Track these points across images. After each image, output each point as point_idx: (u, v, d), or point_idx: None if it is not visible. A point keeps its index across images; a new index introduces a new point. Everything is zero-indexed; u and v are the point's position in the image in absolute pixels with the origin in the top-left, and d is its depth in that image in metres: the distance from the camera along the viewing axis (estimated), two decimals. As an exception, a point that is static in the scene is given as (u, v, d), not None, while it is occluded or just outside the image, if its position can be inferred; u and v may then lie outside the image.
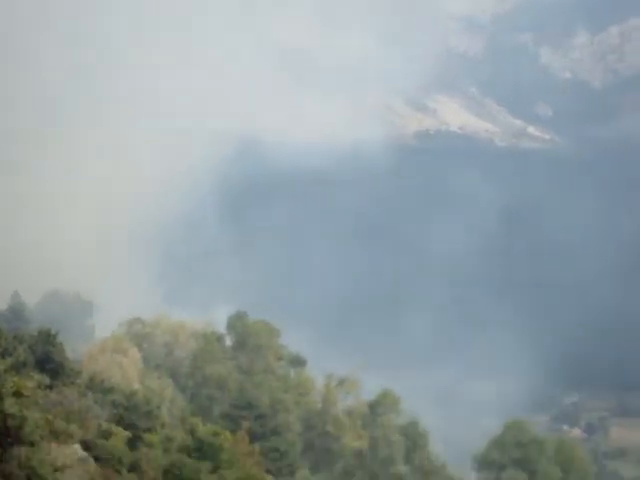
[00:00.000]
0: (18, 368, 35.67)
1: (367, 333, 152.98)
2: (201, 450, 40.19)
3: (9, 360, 36.08)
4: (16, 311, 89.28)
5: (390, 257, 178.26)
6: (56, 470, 29.63)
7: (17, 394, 29.15)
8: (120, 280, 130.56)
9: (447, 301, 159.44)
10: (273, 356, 63.83)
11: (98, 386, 41.89)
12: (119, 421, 38.03)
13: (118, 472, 34.44)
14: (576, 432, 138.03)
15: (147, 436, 37.80)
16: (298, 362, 65.68)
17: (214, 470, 39.16)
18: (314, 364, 67.06)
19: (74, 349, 50.26)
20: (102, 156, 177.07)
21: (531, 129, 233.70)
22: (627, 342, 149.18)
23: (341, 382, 61.47)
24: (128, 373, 51.02)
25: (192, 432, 41.17)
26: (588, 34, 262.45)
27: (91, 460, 33.37)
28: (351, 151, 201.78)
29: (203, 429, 41.11)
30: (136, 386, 47.46)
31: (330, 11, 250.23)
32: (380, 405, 62.37)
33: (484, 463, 66.65)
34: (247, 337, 63.42)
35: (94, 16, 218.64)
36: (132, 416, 38.78)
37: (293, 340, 67.92)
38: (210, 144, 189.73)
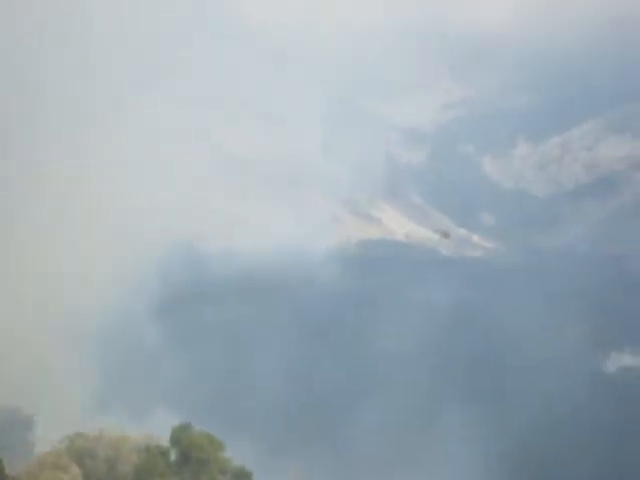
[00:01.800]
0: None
1: (314, 442, 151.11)
2: None
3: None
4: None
5: (335, 363, 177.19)
6: None
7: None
8: (59, 388, 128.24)
9: (394, 408, 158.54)
10: (218, 470, 62.85)
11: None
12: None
13: None
14: None
15: None
16: (243, 475, 64.68)
17: None
18: (260, 477, 65.83)
19: (13, 465, 48.94)
20: (44, 249, 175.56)
21: (475, 238, 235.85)
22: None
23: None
24: (68, 490, 49.68)
25: None
26: (530, 145, 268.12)
27: None
28: (295, 259, 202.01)
29: None
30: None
31: (277, 120, 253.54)
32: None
33: None
34: (191, 451, 62.41)
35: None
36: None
37: (237, 450, 66.76)
38: (155, 246, 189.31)
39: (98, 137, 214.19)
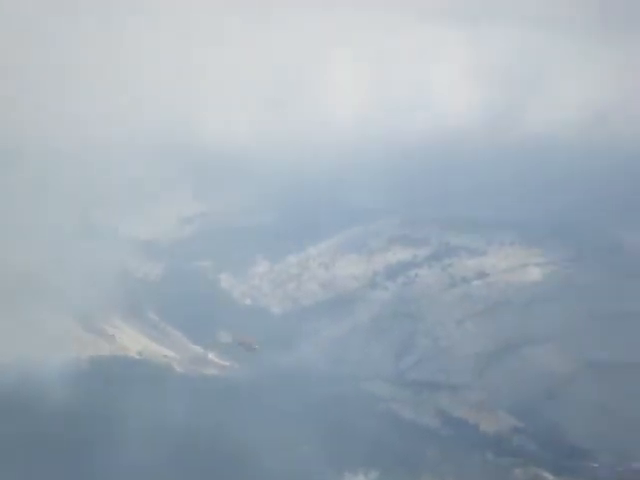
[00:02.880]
0: None
1: None
2: None
3: None
4: None
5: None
6: None
7: None
8: None
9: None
10: None
11: None
12: None
13: None
14: None
15: None
16: None
17: None
18: None
19: None
20: None
21: (211, 355, 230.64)
22: None
23: None
24: None
25: None
26: (268, 262, 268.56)
27: None
28: (25, 377, 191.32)
29: None
30: None
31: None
32: None
33: None
34: None
35: None
36: None
37: None
38: None
39: None
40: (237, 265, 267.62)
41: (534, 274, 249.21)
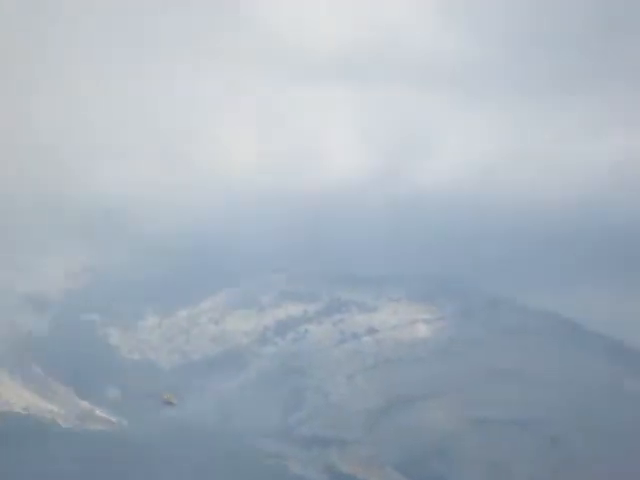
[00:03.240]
0: None
1: None
2: None
3: None
4: None
5: None
6: None
7: None
8: None
9: None
10: None
11: None
12: None
13: None
14: None
15: None
16: None
17: None
18: None
19: None
20: None
21: (98, 411, 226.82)
22: None
23: None
24: None
25: None
26: (157, 316, 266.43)
27: None
28: None
29: None
30: None
31: None
32: None
33: None
34: None
35: None
36: None
37: None
38: None
39: None
40: (126, 319, 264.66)
41: (422, 330, 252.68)
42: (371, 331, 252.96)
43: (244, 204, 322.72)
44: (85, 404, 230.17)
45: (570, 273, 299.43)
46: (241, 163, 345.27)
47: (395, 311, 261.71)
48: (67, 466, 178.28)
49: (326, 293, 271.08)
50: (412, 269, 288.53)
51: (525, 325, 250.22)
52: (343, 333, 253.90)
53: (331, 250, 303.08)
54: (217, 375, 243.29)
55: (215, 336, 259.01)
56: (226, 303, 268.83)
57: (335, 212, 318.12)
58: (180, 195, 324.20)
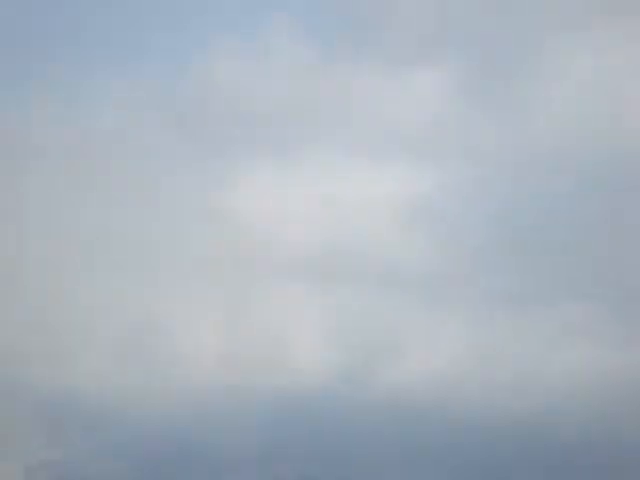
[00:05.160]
0: None
1: None
2: None
3: None
4: None
5: None
6: None
7: None
8: None
9: None
10: None
11: None
12: None
13: None
14: None
15: None
16: None
17: None
18: None
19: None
20: None
21: None
22: None
23: None
24: None
25: None
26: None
27: None
28: None
29: None
30: None
31: None
32: None
33: None
34: None
35: None
36: None
37: None
38: None
39: None
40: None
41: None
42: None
43: (207, 400, 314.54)
44: None
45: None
46: (207, 358, 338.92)
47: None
48: None
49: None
50: (375, 477, 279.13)
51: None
52: None
53: (292, 452, 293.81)
54: None
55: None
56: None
57: (300, 413, 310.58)
58: (144, 390, 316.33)
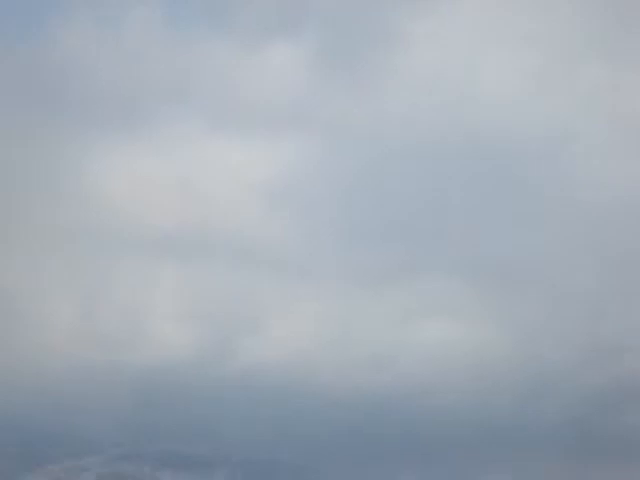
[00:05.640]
0: None
1: None
2: None
3: None
4: None
5: None
6: None
7: None
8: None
9: None
10: None
11: None
12: None
13: None
14: None
15: None
16: None
17: None
18: None
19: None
20: None
21: None
22: None
23: None
24: None
25: None
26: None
27: None
28: None
29: None
30: None
31: None
32: None
33: None
34: None
35: None
36: None
37: None
38: None
39: None
40: None
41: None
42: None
43: (65, 379, 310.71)
44: None
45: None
46: (62, 337, 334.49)
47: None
48: None
49: (149, 475, 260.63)
50: (240, 452, 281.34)
51: None
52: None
53: (153, 429, 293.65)
54: None
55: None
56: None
57: (158, 389, 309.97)
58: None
